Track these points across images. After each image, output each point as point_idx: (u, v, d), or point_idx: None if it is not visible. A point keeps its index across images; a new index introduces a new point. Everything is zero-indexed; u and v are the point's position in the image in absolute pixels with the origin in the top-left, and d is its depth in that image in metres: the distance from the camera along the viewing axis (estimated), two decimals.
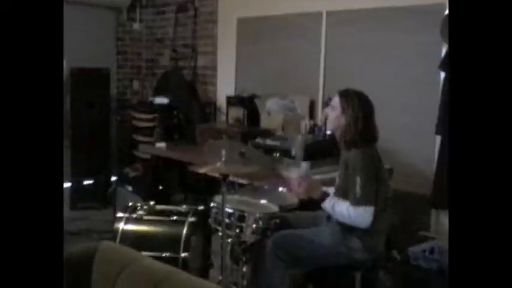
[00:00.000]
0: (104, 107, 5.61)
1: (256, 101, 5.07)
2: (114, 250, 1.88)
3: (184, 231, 3.16)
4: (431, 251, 3.51)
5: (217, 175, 2.84)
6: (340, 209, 2.74)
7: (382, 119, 2.96)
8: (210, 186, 4.93)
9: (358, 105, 2.79)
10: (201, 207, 3.39)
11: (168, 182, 5.09)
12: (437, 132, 3.92)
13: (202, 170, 2.85)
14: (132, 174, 5.08)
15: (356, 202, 2.67)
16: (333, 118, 2.89)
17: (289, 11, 5.02)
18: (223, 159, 2.77)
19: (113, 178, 5.68)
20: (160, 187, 4.39)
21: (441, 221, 4.02)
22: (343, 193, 2.80)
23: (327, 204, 2.81)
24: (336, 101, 2.89)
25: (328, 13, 4.73)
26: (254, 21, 5.40)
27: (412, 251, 3.44)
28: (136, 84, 6.76)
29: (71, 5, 5.94)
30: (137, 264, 1.74)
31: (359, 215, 2.67)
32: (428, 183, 3.94)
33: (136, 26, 6.71)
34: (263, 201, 3.21)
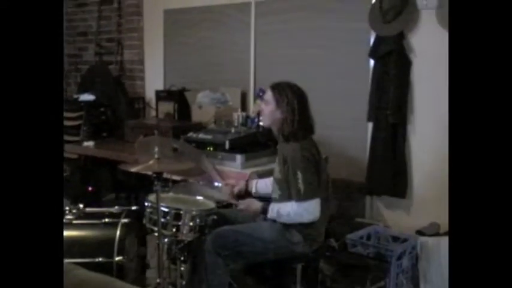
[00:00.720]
0: None
1: (187, 94, 4.96)
2: None
3: (118, 233, 3.01)
4: (368, 237, 3.56)
5: (150, 173, 2.72)
6: (286, 210, 2.70)
7: (315, 108, 2.94)
8: (141, 185, 4.79)
9: (292, 98, 2.76)
10: (134, 207, 3.25)
11: (98, 182, 4.89)
12: (368, 119, 3.97)
13: (134, 169, 2.72)
14: None
15: (301, 198, 2.63)
16: (268, 113, 2.84)
17: (217, 2, 4.93)
18: (156, 156, 2.65)
19: None
20: (90, 188, 4.19)
21: (375, 207, 4.08)
22: (284, 188, 2.76)
23: (271, 214, 2.76)
24: (269, 94, 2.84)
25: (257, 3, 4.68)
26: (181, 13, 5.27)
27: (349, 239, 3.47)
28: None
29: None
30: (70, 277, 1.61)
31: (306, 209, 2.64)
32: (362, 171, 3.99)
33: None
34: (199, 198, 3.12)
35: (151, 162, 2.66)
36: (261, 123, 4.14)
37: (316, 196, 2.65)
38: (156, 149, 2.65)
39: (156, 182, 2.63)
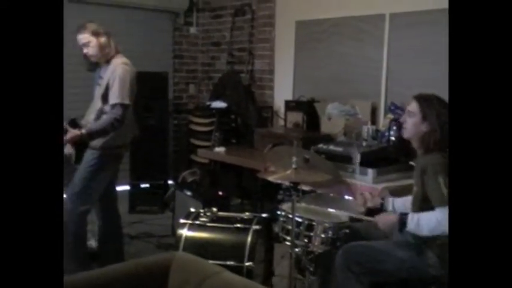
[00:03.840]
0: (162, 110, 5.61)
1: (316, 105, 4.97)
2: (190, 261, 1.82)
3: (249, 239, 3.07)
4: None
5: (287, 183, 2.75)
6: (427, 219, 2.57)
7: None
8: (266, 192, 4.88)
9: (442, 111, 2.65)
10: (264, 215, 3.30)
11: (226, 187, 5.05)
12: None
13: (271, 178, 2.76)
14: (190, 178, 5.06)
15: (445, 202, 2.48)
16: (412, 125, 2.74)
17: (350, 13, 4.90)
18: (293, 166, 2.67)
19: (170, 182, 5.68)
20: (220, 193, 4.33)
21: None
22: (424, 200, 2.65)
23: (410, 225, 2.64)
24: (415, 106, 2.75)
25: (392, 15, 4.58)
26: (313, 24, 5.30)
27: None
28: (192, 88, 6.77)
29: (129, 9, 6.01)
30: (217, 278, 1.66)
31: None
32: None
33: (193, 30, 6.73)
34: (331, 210, 3.10)
35: (288, 171, 2.68)
36: (392, 138, 4.07)
37: None
38: (294, 159, 2.67)
39: (292, 192, 2.65)
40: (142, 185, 5.49)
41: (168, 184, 5.62)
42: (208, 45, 6.67)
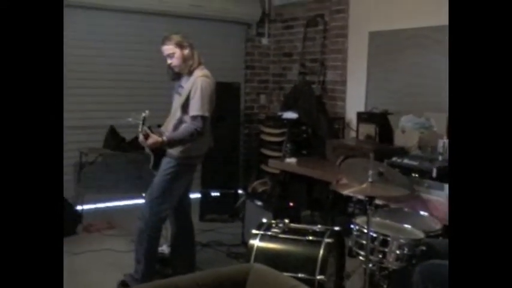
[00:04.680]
0: (234, 120, 5.68)
1: (389, 117, 4.88)
2: (267, 274, 1.82)
3: (321, 252, 3.05)
4: None
5: (362, 197, 2.71)
6: None
7: None
8: (336, 205, 4.82)
9: None
10: (336, 228, 3.26)
11: (296, 198, 5.03)
12: None
13: (347, 192, 2.73)
14: (260, 188, 5.08)
15: None
16: None
17: (424, 24, 4.78)
18: (369, 180, 2.63)
19: (240, 191, 5.73)
20: (291, 204, 4.33)
21: None
22: None
23: None
24: None
25: None
26: (387, 35, 5.21)
27: None
28: (263, 99, 6.83)
29: (202, 20, 6.13)
30: None
31: None
32: None
33: (264, 40, 6.79)
34: (407, 226, 3.02)
35: (364, 185, 2.64)
36: None
37: None
38: (371, 173, 2.62)
39: (367, 206, 2.60)
40: (213, 194, 5.56)
41: (238, 193, 5.66)
42: (280, 55, 6.70)
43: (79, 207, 5.29)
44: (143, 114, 3.37)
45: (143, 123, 3.38)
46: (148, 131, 3.39)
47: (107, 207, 5.79)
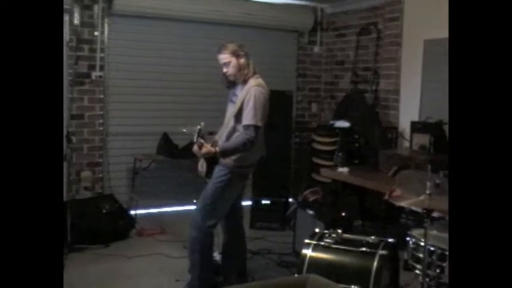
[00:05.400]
0: (286, 129, 5.68)
1: (445, 127, 4.77)
2: (325, 286, 1.80)
3: (375, 264, 3.00)
4: None
5: (417, 209, 2.65)
6: None
7: None
8: (389, 215, 4.74)
9: None
10: (390, 240, 3.20)
11: (347, 208, 4.97)
12: None
13: (403, 204, 2.68)
14: (311, 197, 5.05)
15: None
16: None
17: None
18: (427, 192, 2.58)
19: (290, 200, 5.72)
20: (343, 213, 4.28)
21: None
22: None
23: None
24: None
25: None
26: (442, 43, 5.10)
27: None
28: (315, 107, 6.80)
29: (255, 28, 6.17)
30: None
31: None
32: None
33: (316, 49, 6.77)
34: None
35: (422, 197, 2.59)
36: None
37: None
38: (429, 184, 2.57)
39: (425, 219, 2.55)
40: (263, 202, 5.57)
41: (288, 202, 5.65)
42: (332, 64, 6.67)
43: (133, 212, 5.40)
44: (198, 127, 3.41)
45: (198, 135, 3.42)
46: (202, 141, 3.43)
47: (160, 212, 5.89)
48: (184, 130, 3.50)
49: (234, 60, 3.54)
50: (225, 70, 3.59)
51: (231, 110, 3.59)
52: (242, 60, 3.55)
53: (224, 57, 3.55)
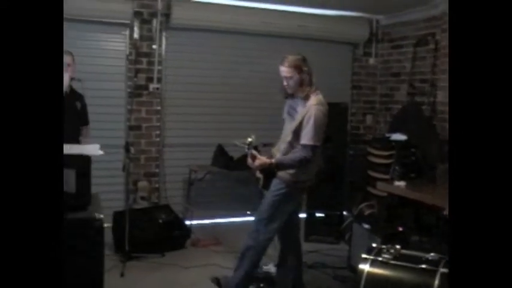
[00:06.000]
0: (341, 141, 5.64)
1: None
2: None
3: (436, 283, 2.92)
4: None
5: None
6: None
7: None
8: (447, 231, 4.60)
9: None
10: None
11: (403, 223, 4.87)
12: None
13: None
14: (367, 211, 4.98)
15: None
16: None
17: None
18: None
19: (345, 213, 5.65)
20: (400, 228, 4.20)
21: None
22: None
23: None
24: None
25: None
26: None
27: None
28: (369, 119, 6.73)
29: (309, 40, 6.17)
30: None
31: None
32: None
33: (372, 60, 6.71)
34: None
35: None
36: None
37: None
38: None
39: None
40: (318, 214, 5.53)
41: (343, 215, 5.59)
42: (387, 75, 6.58)
43: (188, 222, 5.47)
44: (249, 140, 3.43)
45: (248, 148, 3.43)
46: (255, 153, 3.43)
47: (214, 223, 5.95)
48: (236, 142, 3.53)
49: (295, 76, 3.47)
50: (285, 83, 3.54)
51: (290, 124, 3.57)
52: (303, 76, 3.48)
53: (286, 70, 3.49)
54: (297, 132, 3.48)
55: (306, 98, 3.50)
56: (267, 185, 3.59)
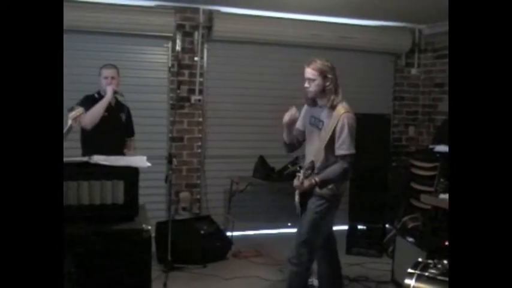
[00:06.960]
0: (383, 153, 5.56)
1: None
2: None
3: None
4: None
5: None
6: None
7: None
8: None
9: None
10: None
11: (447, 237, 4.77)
12: None
13: None
14: (411, 224, 4.89)
15: None
16: None
17: None
18: None
19: (387, 226, 5.57)
20: (447, 243, 4.10)
21: None
22: None
23: None
24: None
25: None
26: None
27: None
28: (412, 131, 6.63)
29: (351, 51, 6.13)
30: None
31: None
32: None
33: (414, 71, 6.62)
34: None
35: None
36: None
37: None
38: None
39: None
40: (360, 227, 5.47)
41: (385, 227, 5.51)
42: (430, 86, 6.48)
43: (229, 233, 5.49)
44: (300, 165, 3.41)
45: (298, 171, 3.41)
46: (301, 175, 3.39)
47: (255, 234, 5.95)
48: (289, 166, 3.48)
49: (318, 80, 3.39)
50: (306, 85, 3.46)
51: (321, 137, 3.44)
52: (327, 84, 3.39)
53: (310, 72, 3.42)
54: (330, 145, 3.38)
55: (332, 107, 3.40)
56: (303, 207, 3.51)
